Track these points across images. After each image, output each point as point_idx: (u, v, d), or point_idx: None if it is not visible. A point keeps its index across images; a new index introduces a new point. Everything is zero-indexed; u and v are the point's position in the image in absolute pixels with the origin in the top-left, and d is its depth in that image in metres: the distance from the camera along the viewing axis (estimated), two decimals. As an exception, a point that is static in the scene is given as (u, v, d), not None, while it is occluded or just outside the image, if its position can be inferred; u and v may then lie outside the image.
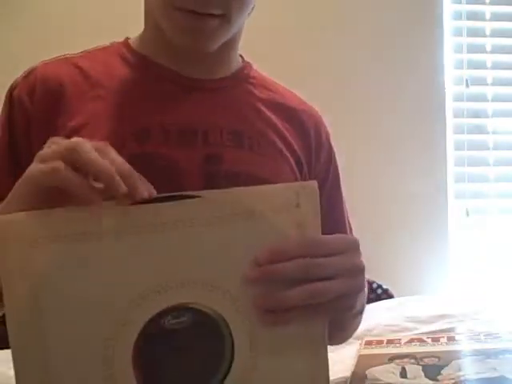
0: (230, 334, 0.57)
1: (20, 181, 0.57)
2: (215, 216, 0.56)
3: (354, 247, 0.61)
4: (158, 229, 0.55)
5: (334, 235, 0.60)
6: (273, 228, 0.57)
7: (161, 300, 0.55)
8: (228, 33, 0.75)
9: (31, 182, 0.56)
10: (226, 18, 0.73)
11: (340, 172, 0.90)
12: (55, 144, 0.57)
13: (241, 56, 0.87)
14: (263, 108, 0.82)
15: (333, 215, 0.88)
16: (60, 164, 0.53)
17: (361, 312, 0.71)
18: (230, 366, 0.57)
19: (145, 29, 0.82)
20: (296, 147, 0.82)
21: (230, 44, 0.80)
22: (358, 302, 0.62)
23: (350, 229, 0.91)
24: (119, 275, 0.54)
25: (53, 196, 0.55)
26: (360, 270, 0.61)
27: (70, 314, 0.54)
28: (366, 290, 0.69)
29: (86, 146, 0.54)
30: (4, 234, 0.53)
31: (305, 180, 0.82)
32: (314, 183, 0.59)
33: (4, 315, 0.54)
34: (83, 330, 0.54)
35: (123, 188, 0.53)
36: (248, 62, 0.87)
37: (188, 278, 0.56)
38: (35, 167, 0.55)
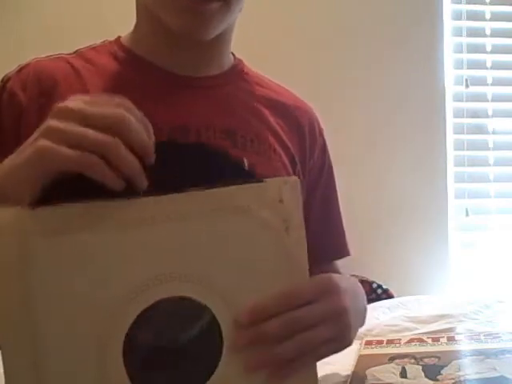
0: (220, 334, 0.57)
1: (31, 155, 0.54)
2: (201, 211, 0.56)
3: (331, 289, 0.62)
4: (147, 223, 0.55)
5: (310, 280, 0.60)
6: (258, 224, 0.57)
7: (151, 294, 0.55)
8: (226, 19, 0.75)
9: (51, 162, 0.53)
10: (225, 4, 0.72)
11: (334, 169, 0.91)
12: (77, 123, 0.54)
13: (232, 53, 0.87)
14: (257, 105, 0.82)
15: (327, 211, 0.89)
16: (96, 159, 0.52)
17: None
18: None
19: (137, 25, 0.81)
20: (290, 144, 0.82)
21: (223, 39, 0.79)
22: (347, 339, 0.63)
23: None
24: (109, 270, 0.54)
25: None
26: (342, 311, 0.61)
27: (62, 310, 0.54)
28: (363, 297, 0.69)
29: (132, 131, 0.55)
30: None
31: (298, 177, 0.82)
32: (296, 178, 0.59)
33: None
34: (75, 327, 0.54)
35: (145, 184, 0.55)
36: (240, 59, 0.87)
37: (178, 272, 0.56)
38: (62, 151, 0.53)
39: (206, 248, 0.56)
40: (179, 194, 0.56)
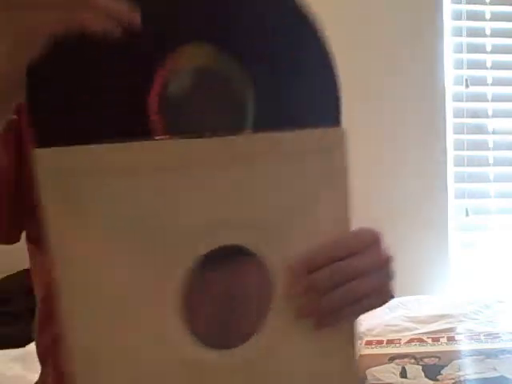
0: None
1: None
2: (252, 156, 0.55)
3: (377, 239, 0.63)
4: (197, 166, 0.53)
5: (357, 230, 0.62)
6: (306, 171, 0.57)
7: (207, 241, 0.53)
8: None
9: (40, 30, 0.49)
10: None
11: None
12: None
13: None
14: None
15: None
16: (82, 10, 0.48)
17: None
18: None
19: None
20: None
21: None
22: (388, 292, 0.64)
23: None
24: (161, 217, 0.52)
25: None
26: (384, 263, 0.62)
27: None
28: None
29: None
30: (46, 164, 0.49)
31: None
32: (344, 129, 0.61)
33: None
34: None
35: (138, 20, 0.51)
36: None
37: (228, 218, 0.54)
38: (45, 16, 0.48)
39: (258, 192, 0.55)
40: (228, 137, 0.55)
